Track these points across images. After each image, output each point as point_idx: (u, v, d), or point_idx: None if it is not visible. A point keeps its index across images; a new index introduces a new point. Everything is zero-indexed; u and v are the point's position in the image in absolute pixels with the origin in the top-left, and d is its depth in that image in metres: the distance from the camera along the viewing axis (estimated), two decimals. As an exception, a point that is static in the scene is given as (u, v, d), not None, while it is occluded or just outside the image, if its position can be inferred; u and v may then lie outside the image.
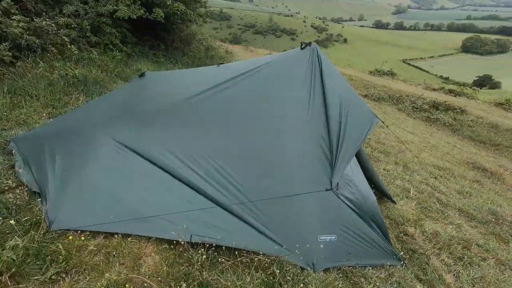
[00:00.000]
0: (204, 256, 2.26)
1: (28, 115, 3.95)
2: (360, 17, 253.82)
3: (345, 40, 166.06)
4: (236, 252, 2.42)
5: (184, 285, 2.02)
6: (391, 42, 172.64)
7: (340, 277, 2.55)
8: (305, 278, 2.38)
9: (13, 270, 1.86)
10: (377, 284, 2.60)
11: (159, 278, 2.09)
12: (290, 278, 2.32)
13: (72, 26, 6.01)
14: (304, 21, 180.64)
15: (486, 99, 18.69)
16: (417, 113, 14.23)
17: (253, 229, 2.56)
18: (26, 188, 2.62)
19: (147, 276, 2.07)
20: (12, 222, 2.10)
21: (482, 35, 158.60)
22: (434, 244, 3.40)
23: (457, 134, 11.71)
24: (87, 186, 2.58)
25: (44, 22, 5.03)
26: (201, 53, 10.56)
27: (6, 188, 2.60)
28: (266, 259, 2.39)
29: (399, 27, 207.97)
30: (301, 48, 3.09)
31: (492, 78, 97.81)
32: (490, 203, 5.06)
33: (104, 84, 5.40)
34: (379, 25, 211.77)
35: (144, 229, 2.40)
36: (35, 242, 2.08)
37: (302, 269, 2.47)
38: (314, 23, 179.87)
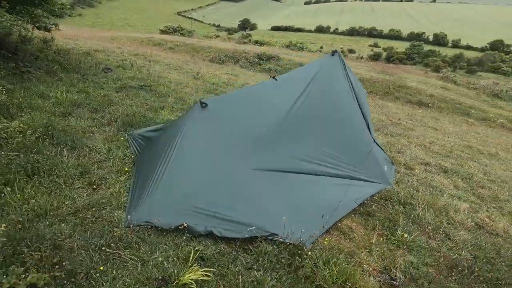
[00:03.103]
0: (373, 206, 3.62)
1: (77, 197, 3.05)
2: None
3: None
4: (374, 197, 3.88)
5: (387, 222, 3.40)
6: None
7: (398, 184, 4.56)
8: (395, 194, 4.17)
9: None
10: (406, 178, 4.81)
11: (376, 229, 3.32)
12: (392, 194, 4.07)
13: None
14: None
15: (281, 44, 24.84)
16: (254, 67, 17.39)
17: (368, 182, 4.03)
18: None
19: (373, 232, 3.26)
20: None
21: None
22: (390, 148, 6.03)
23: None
24: (296, 207, 3.13)
25: None
26: (49, 50, 8.10)
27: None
28: (385, 191, 4.02)
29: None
30: (332, 55, 4.34)
31: (250, 21, 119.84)
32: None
33: (69, 131, 4.17)
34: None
35: (341, 213, 3.37)
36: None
37: (392, 189, 4.27)
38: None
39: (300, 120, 3.85)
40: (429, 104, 13.49)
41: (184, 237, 2.72)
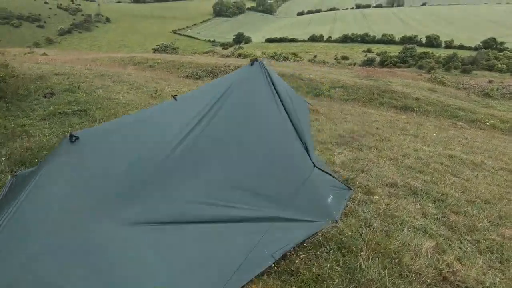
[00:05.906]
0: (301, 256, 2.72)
1: None
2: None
3: (108, 20, 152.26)
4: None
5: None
6: (155, 14, 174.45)
7: (347, 218, 3.67)
8: (336, 235, 3.27)
9: None
10: (360, 208, 3.92)
11: None
12: (332, 235, 3.17)
13: None
14: (47, 2, 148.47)
15: (267, 54, 24.38)
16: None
17: (298, 222, 3.14)
18: None
19: None
20: None
21: (224, 0, 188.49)
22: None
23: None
24: (187, 275, 2.29)
25: None
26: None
27: None
28: (322, 234, 3.12)
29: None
30: (251, 65, 3.53)
31: (244, 34, 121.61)
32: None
33: None
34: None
35: (247, 276, 2.48)
36: None
37: (335, 227, 3.37)
38: (62, 4, 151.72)
39: (202, 149, 2.98)
40: (415, 108, 12.64)
41: None
